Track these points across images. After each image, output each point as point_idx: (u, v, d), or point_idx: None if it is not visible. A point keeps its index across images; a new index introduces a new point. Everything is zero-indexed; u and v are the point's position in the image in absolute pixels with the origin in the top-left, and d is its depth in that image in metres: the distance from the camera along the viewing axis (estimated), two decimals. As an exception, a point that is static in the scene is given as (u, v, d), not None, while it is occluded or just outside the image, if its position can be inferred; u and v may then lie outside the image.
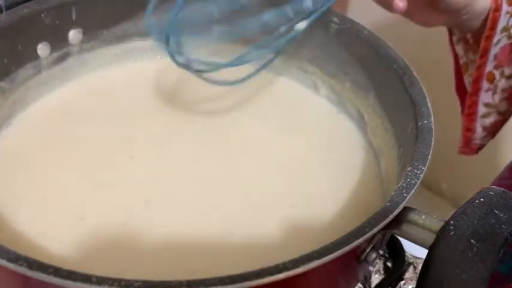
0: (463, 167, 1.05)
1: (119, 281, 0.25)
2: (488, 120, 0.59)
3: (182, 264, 0.35)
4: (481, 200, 0.31)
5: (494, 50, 0.53)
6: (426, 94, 0.40)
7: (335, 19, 0.47)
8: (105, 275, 0.26)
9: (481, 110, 0.58)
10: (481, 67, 0.54)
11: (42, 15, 0.44)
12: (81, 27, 0.47)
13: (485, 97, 0.57)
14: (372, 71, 0.45)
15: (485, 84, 0.56)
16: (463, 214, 0.30)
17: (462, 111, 0.60)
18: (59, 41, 0.46)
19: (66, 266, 0.26)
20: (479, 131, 0.60)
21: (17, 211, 0.38)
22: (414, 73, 0.41)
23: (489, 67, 0.54)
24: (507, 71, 0.55)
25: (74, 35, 0.47)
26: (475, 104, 0.57)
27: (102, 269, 0.34)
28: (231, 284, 0.26)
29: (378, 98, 0.45)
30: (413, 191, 0.32)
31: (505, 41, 0.53)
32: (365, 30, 0.46)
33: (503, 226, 0.29)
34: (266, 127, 0.47)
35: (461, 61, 0.58)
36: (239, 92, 0.50)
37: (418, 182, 0.32)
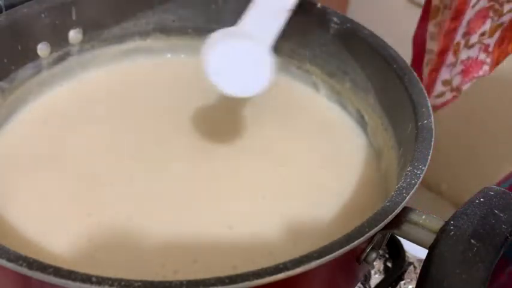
0: (463, 167, 1.05)
1: (119, 281, 0.25)
2: (440, 100, 0.57)
3: (184, 255, 0.36)
4: (481, 200, 0.31)
5: (469, 15, 0.49)
6: (426, 94, 0.40)
7: (335, 19, 0.47)
8: (106, 275, 0.26)
9: (438, 89, 0.56)
10: (450, 33, 0.49)
11: (42, 15, 0.44)
12: (81, 27, 0.47)
13: (445, 73, 0.54)
14: (371, 71, 0.45)
15: (450, 58, 0.53)
16: (463, 214, 0.30)
17: (413, 63, 0.56)
18: (59, 41, 0.46)
19: (66, 266, 0.26)
20: None
21: (16, 211, 0.38)
22: (414, 73, 0.41)
23: (459, 36, 0.51)
24: (472, 39, 0.52)
25: (74, 35, 0.47)
26: (432, 82, 0.55)
27: (103, 268, 0.34)
28: (230, 284, 0.26)
29: (378, 98, 0.45)
30: (413, 191, 0.32)
31: (483, 4, 0.49)
32: (365, 30, 0.46)
33: (503, 226, 0.29)
34: (265, 126, 0.47)
35: (434, 3, 0.53)
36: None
37: (418, 182, 0.32)
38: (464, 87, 0.55)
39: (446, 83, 0.55)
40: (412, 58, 0.58)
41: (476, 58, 0.53)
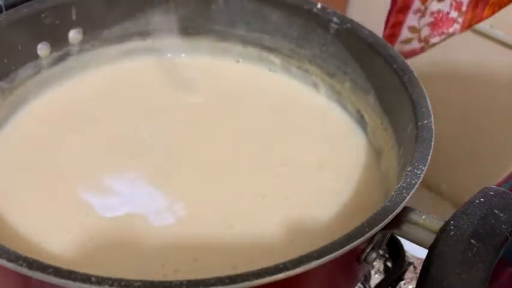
0: (463, 167, 1.05)
1: (119, 281, 0.25)
2: (408, 47, 0.56)
3: (184, 255, 0.36)
4: (481, 200, 0.31)
5: None
6: (426, 94, 0.40)
7: (335, 19, 0.47)
8: (106, 275, 0.26)
9: (404, 34, 0.55)
10: None
11: (42, 15, 0.44)
12: (81, 27, 0.47)
13: (411, 19, 0.53)
14: (371, 71, 0.45)
15: (416, 3, 0.52)
16: (463, 214, 0.30)
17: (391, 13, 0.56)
18: (59, 41, 0.46)
19: (66, 266, 0.26)
20: None
21: (16, 211, 0.38)
22: (414, 73, 0.41)
23: None
24: None
25: (74, 35, 0.47)
26: (399, 24, 0.54)
27: (103, 268, 0.34)
28: (230, 284, 0.26)
29: (378, 98, 0.45)
30: (413, 191, 0.32)
31: None
32: (365, 30, 0.46)
33: (503, 226, 0.29)
34: (266, 126, 0.47)
35: None
36: (238, 91, 0.50)
37: (418, 182, 0.32)
38: (433, 40, 0.55)
39: (413, 30, 0.54)
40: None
41: (448, 14, 0.53)
